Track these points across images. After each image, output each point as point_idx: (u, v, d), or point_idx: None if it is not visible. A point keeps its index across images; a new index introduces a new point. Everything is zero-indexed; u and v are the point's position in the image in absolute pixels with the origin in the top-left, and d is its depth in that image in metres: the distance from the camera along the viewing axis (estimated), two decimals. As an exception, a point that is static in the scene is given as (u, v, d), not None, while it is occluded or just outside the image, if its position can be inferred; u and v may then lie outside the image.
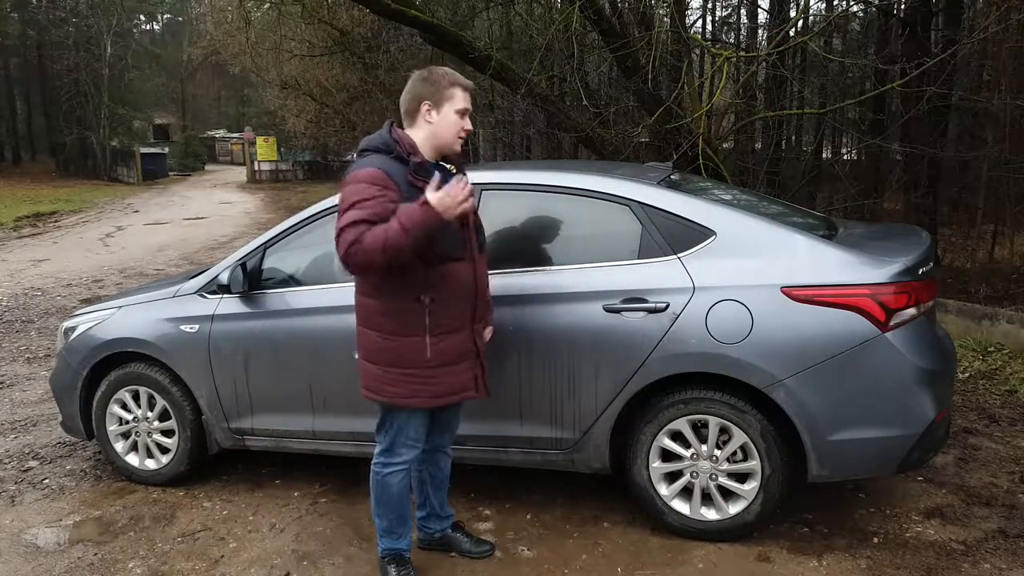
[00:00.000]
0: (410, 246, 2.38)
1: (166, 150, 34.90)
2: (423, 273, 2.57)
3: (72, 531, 3.44)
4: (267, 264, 3.57)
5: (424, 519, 3.10)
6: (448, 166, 2.72)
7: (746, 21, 14.74)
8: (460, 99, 2.63)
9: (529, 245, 3.32)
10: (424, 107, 2.62)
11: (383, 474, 2.79)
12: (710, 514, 3.10)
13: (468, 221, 2.68)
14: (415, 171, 2.54)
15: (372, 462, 2.83)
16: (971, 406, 4.62)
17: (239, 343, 3.53)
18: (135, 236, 14.12)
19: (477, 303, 2.72)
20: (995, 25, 7.06)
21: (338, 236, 2.44)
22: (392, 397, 2.67)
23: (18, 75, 35.46)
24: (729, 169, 6.88)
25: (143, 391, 3.78)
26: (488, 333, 2.92)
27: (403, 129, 2.68)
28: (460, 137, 2.66)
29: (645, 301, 3.00)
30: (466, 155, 2.80)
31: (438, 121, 2.62)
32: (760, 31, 13.45)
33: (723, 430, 3.02)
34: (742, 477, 3.05)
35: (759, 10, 13.91)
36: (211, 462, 3.89)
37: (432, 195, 2.37)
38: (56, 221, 16.71)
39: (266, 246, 3.57)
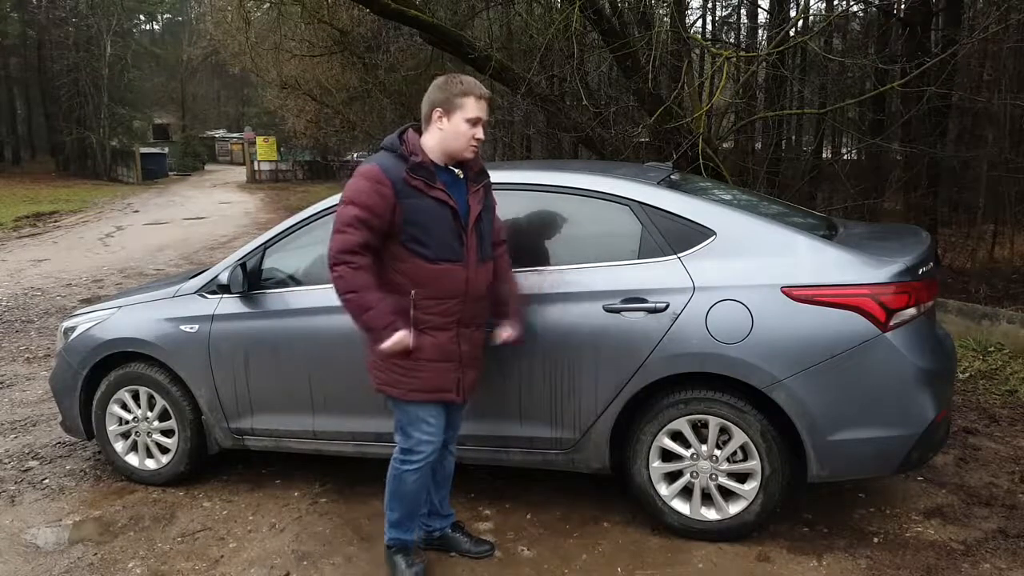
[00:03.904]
0: (354, 318, 2.64)
1: (166, 150, 34.88)
2: (416, 268, 2.64)
3: (72, 531, 3.44)
4: (267, 264, 3.57)
5: (424, 516, 3.09)
6: (456, 171, 2.74)
7: (746, 21, 14.77)
8: (472, 108, 2.66)
9: (529, 245, 3.32)
10: (436, 113, 2.67)
11: (402, 470, 2.80)
12: (710, 514, 3.10)
13: (467, 229, 2.70)
14: (412, 170, 2.61)
15: (392, 456, 2.84)
16: (971, 406, 4.62)
17: (239, 343, 3.53)
18: (135, 236, 14.12)
19: (466, 307, 2.74)
20: (995, 25, 7.07)
21: (337, 232, 2.61)
22: (381, 384, 2.74)
23: (18, 75, 35.47)
24: (729, 169, 6.88)
25: (143, 391, 3.78)
26: (507, 334, 2.94)
27: (421, 133, 2.74)
28: (471, 145, 2.69)
29: (645, 301, 3.00)
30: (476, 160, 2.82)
31: (448, 128, 2.67)
32: (760, 31, 13.46)
33: (723, 430, 3.01)
34: (742, 477, 3.04)
35: (759, 10, 13.93)
36: (211, 462, 3.89)
37: (395, 340, 2.60)
38: (56, 221, 16.71)
39: (266, 246, 3.57)
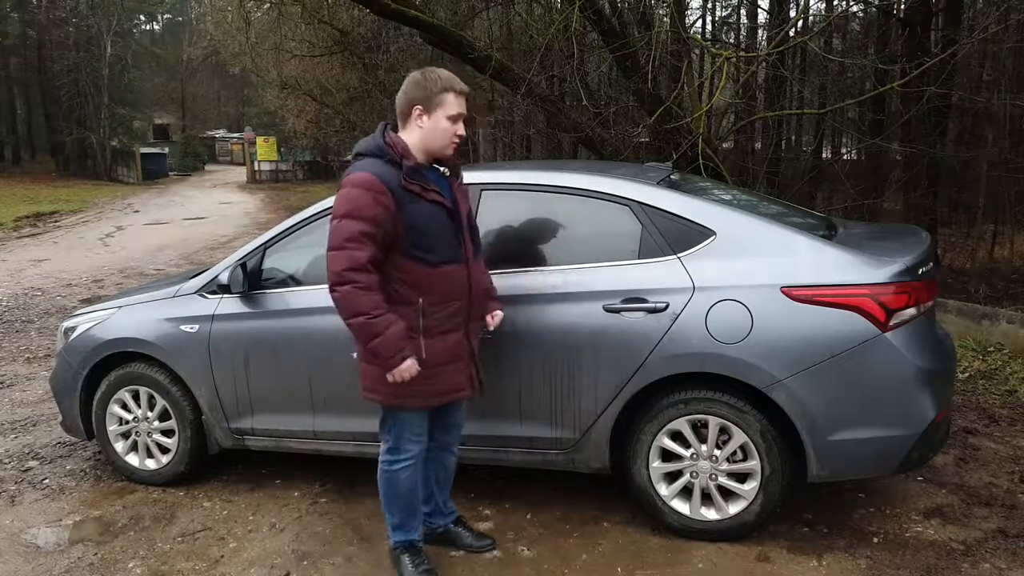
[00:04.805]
0: (360, 342, 2.57)
1: (166, 150, 34.87)
2: (420, 275, 2.61)
3: (72, 531, 3.44)
4: (267, 264, 3.57)
5: (428, 515, 3.10)
6: (442, 168, 2.72)
7: (746, 21, 14.77)
8: (452, 104, 2.61)
9: (529, 245, 3.32)
10: (416, 111, 2.62)
11: (391, 471, 2.80)
12: (710, 514, 3.10)
13: (462, 226, 2.70)
14: (408, 175, 2.55)
15: (379, 460, 2.84)
16: (971, 406, 4.62)
17: (239, 343, 3.53)
18: (135, 236, 14.12)
19: (471, 304, 2.75)
20: (995, 25, 7.07)
21: (338, 248, 2.49)
22: (391, 397, 2.69)
23: (18, 75, 35.48)
24: (729, 169, 6.88)
25: (143, 391, 3.78)
26: (497, 319, 2.94)
27: (397, 131, 2.68)
28: (453, 142, 2.66)
29: (645, 301, 3.00)
30: (460, 156, 2.79)
31: (429, 126, 2.62)
32: (760, 31, 13.46)
33: (723, 430, 3.02)
34: (742, 477, 3.05)
35: (759, 10, 13.93)
36: (211, 462, 3.89)
37: (403, 369, 2.53)
38: (56, 221, 16.71)
39: (266, 246, 3.57)
